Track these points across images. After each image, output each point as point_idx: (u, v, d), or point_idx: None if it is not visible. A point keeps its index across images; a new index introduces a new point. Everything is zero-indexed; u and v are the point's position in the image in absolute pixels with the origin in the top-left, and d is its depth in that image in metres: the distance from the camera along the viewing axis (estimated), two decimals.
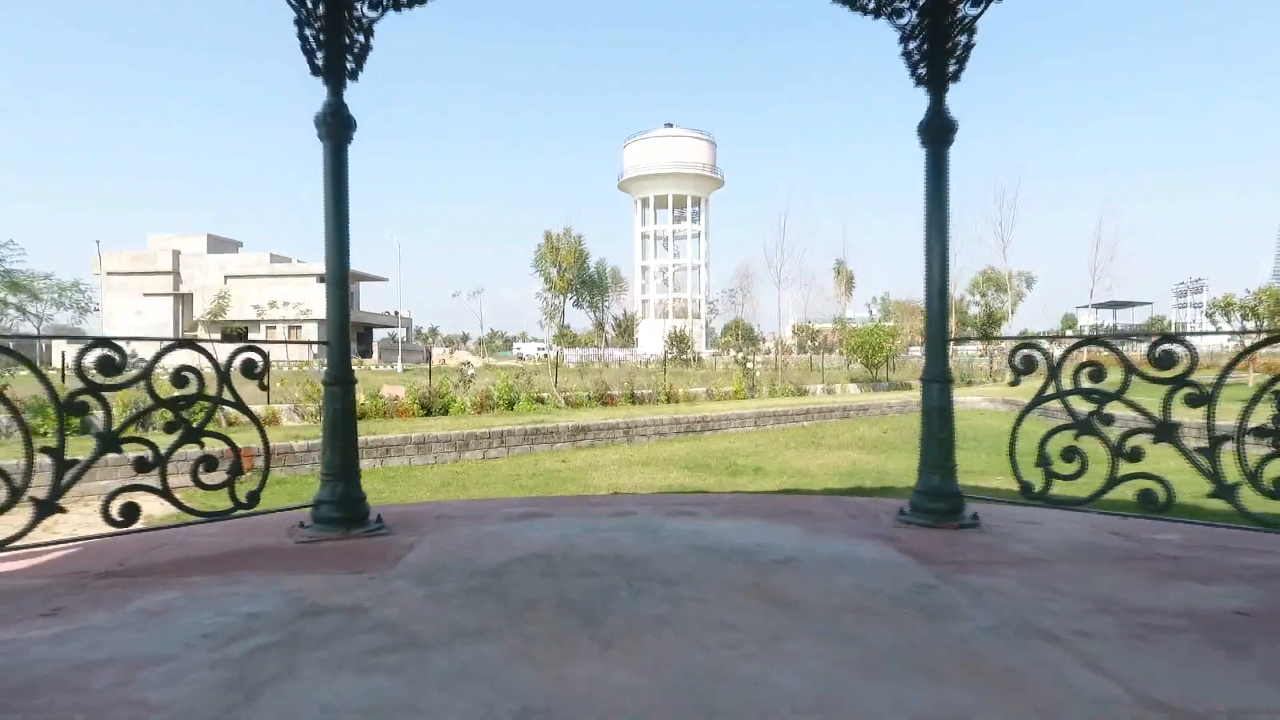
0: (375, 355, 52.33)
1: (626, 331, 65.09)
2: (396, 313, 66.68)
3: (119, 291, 52.22)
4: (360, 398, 11.25)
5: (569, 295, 58.03)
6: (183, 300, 54.99)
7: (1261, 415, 2.57)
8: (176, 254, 54.02)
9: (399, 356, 42.66)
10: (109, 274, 50.87)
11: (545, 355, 52.54)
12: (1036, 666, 1.63)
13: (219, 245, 56.17)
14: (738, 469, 9.00)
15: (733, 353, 35.06)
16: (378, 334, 64.33)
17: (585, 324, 67.08)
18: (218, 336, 50.45)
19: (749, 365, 17.96)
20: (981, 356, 30.57)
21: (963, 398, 17.46)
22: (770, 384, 16.66)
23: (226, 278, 54.03)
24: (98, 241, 48.45)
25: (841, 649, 1.73)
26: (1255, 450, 2.58)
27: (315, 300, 52.70)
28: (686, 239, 66.25)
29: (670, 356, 38.70)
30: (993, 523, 2.99)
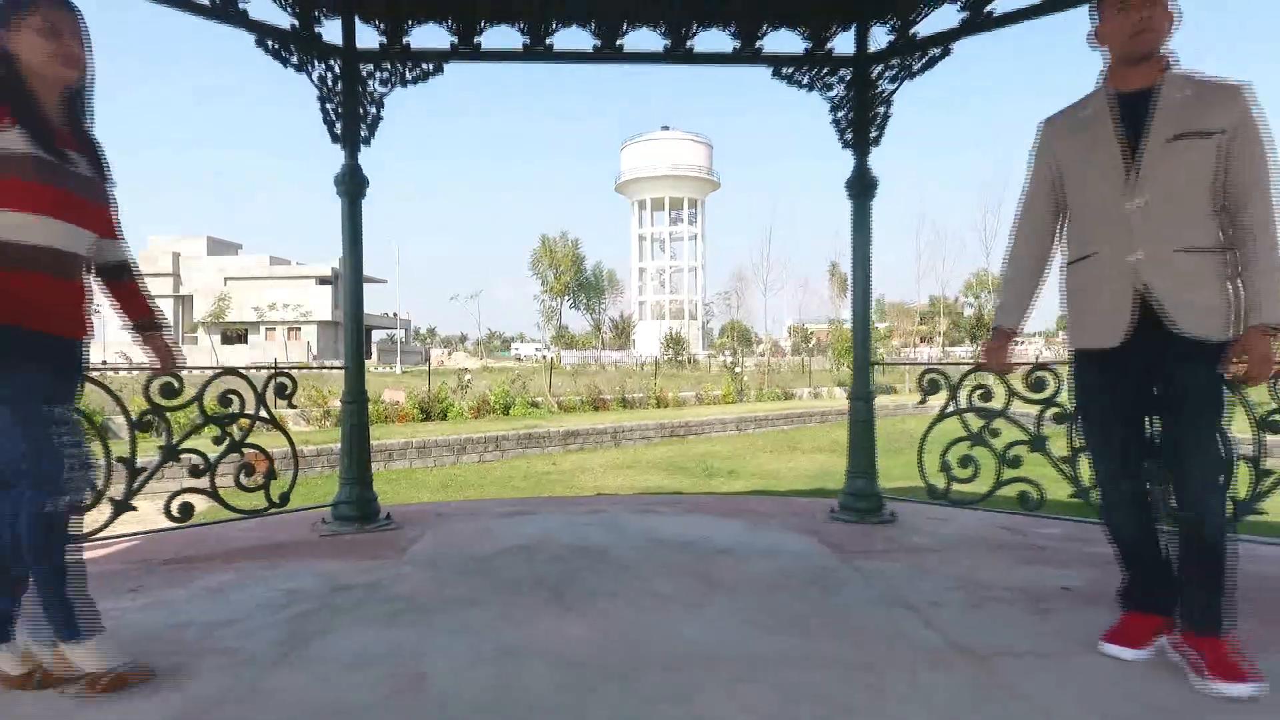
0: (374, 356, 52.83)
1: (623, 333, 65.67)
2: (395, 314, 67.11)
3: None
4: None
5: (565, 298, 58.60)
6: (183, 301, 55.38)
7: None
8: (176, 256, 54.41)
9: (398, 358, 43.24)
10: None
11: (543, 357, 53.17)
12: (886, 625, 2.18)
13: (218, 247, 56.58)
14: (714, 471, 9.57)
15: (726, 355, 35.73)
16: (376, 334, 64.75)
17: (583, 325, 67.68)
18: (218, 337, 51.04)
19: (737, 370, 18.50)
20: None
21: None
22: (758, 388, 17.22)
23: (226, 279, 54.40)
24: None
25: (746, 614, 2.28)
26: None
27: (314, 302, 53.21)
28: (683, 240, 66.88)
29: (665, 358, 39.33)
30: (907, 519, 3.55)
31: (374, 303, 67.94)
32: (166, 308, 53.46)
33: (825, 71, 3.60)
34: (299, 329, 54.46)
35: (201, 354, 46.69)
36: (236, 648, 2.00)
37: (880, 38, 3.54)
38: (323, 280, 54.98)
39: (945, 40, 3.32)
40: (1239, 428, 2.74)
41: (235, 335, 53.60)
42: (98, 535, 2.92)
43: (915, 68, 3.42)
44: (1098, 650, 1.93)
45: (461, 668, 1.86)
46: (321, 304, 53.85)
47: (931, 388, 3.58)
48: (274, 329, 54.76)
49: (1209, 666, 1.66)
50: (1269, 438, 2.81)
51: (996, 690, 1.77)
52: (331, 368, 4.11)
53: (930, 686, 1.76)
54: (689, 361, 38.04)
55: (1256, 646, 1.79)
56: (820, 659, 1.94)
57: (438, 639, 2.04)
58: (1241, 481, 2.82)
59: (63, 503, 1.66)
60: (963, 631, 2.12)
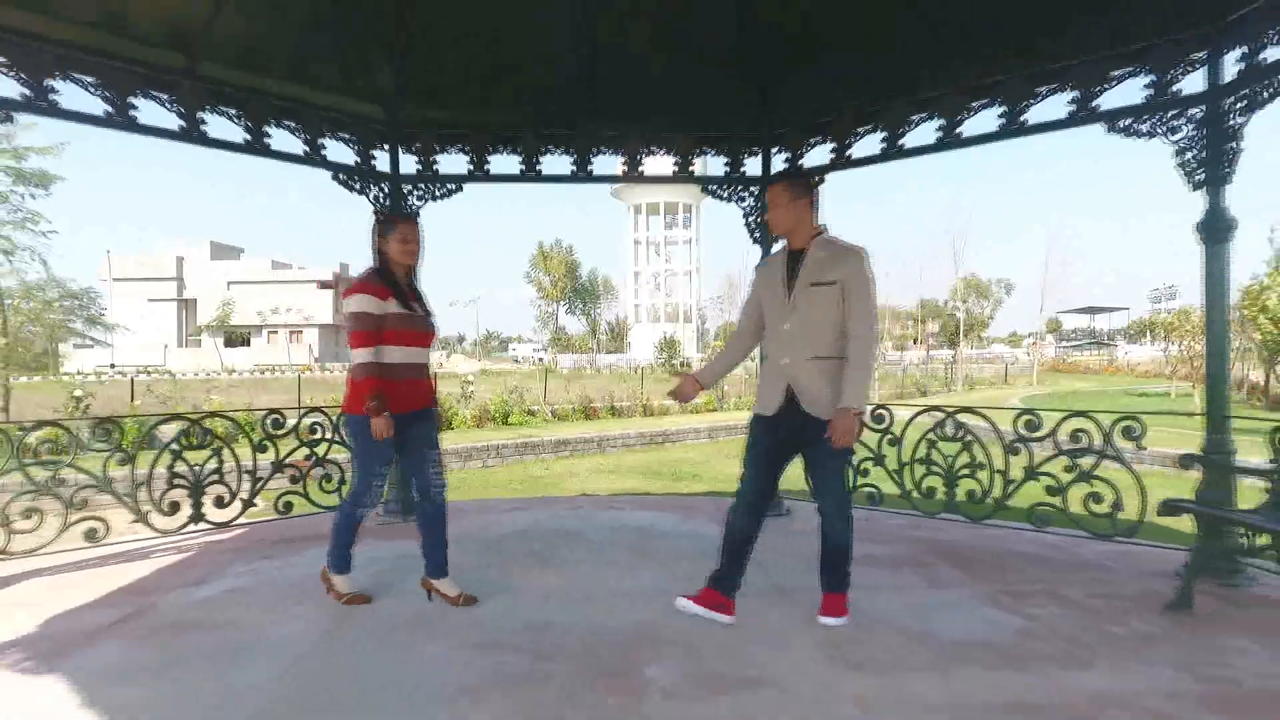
0: None
1: (619, 336, 66.98)
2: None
3: (125, 297, 53.60)
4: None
5: (561, 302, 59.85)
6: (186, 305, 56.31)
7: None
8: (180, 260, 55.26)
9: None
10: (115, 280, 52.27)
11: (540, 359, 54.48)
12: (747, 581, 3.53)
13: (221, 252, 57.46)
14: (681, 475, 10.97)
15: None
16: None
17: (580, 327, 68.99)
18: (221, 340, 52.13)
19: None
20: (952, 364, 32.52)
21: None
22: (738, 395, 18.58)
23: (229, 284, 55.18)
24: (108, 251, 49.95)
25: (664, 573, 3.62)
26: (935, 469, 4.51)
27: (315, 306, 54.32)
28: (678, 245, 68.14)
29: (660, 361, 40.60)
30: (797, 513, 4.90)
31: None
32: (170, 312, 54.62)
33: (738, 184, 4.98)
34: (301, 332, 55.43)
35: (205, 356, 47.89)
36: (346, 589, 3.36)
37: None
38: (324, 284, 56.03)
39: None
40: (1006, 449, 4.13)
41: (238, 339, 54.64)
42: (234, 522, 4.29)
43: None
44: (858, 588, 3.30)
45: (484, 598, 3.21)
46: (323, 307, 54.96)
47: None
48: (276, 332, 55.83)
49: (827, 610, 2.86)
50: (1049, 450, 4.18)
51: (786, 602, 3.13)
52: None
53: (746, 605, 3.12)
54: (683, 365, 39.36)
55: (960, 584, 3.17)
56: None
57: (468, 585, 3.40)
58: (996, 486, 4.21)
59: (361, 512, 3.05)
60: (785, 579, 3.49)
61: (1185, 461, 3.38)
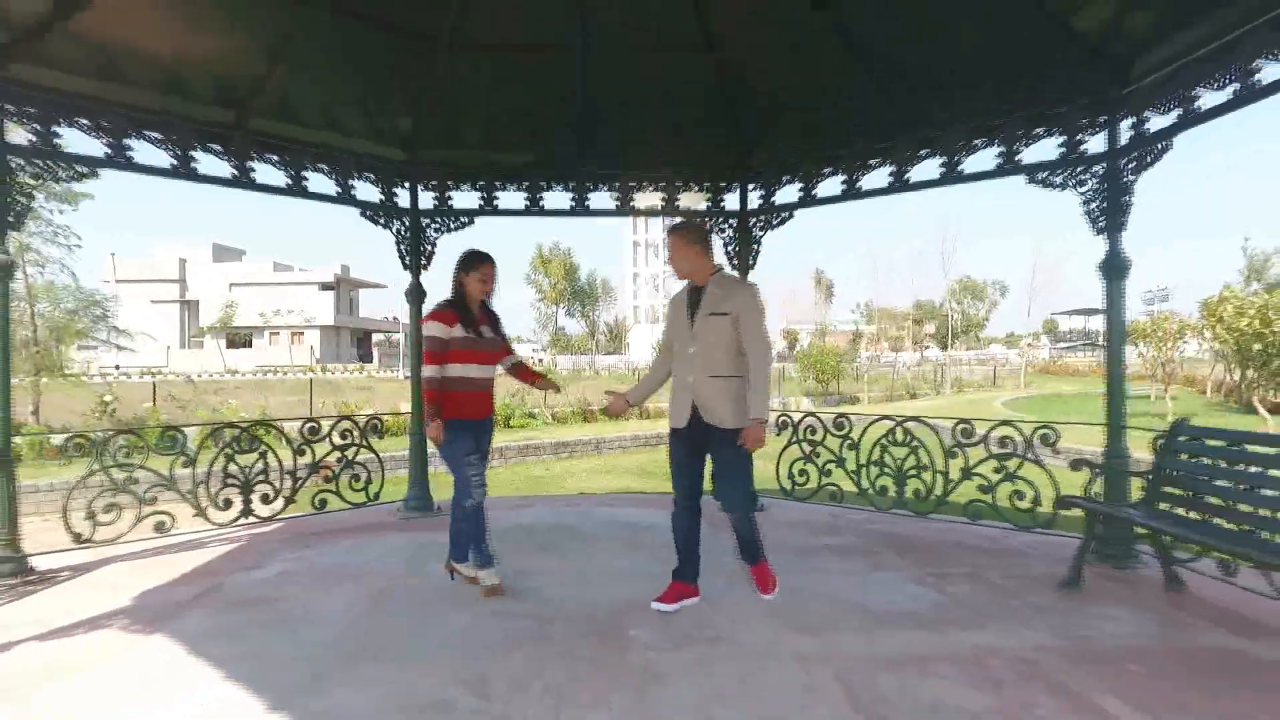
0: (375, 360, 54.52)
1: (618, 337, 67.59)
2: (395, 318, 68.56)
3: (129, 299, 54.02)
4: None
5: (560, 305, 60.46)
6: (188, 307, 56.77)
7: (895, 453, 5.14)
8: (183, 262, 55.72)
9: (401, 363, 44.94)
10: (118, 282, 52.75)
11: (539, 360, 54.98)
12: (716, 560, 4.16)
13: (223, 254, 57.92)
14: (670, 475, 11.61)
15: None
16: (375, 337, 66.25)
17: (579, 329, 69.59)
18: (223, 341, 52.68)
19: None
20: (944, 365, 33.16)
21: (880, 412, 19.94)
22: None
23: (231, 285, 55.64)
24: (112, 254, 50.43)
25: (651, 559, 4.24)
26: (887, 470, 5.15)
27: (317, 307, 54.85)
28: None
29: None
30: (771, 509, 5.53)
31: (375, 307, 69.52)
32: (173, 313, 55.14)
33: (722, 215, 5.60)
34: (302, 333, 55.96)
35: (207, 357, 48.44)
36: (379, 573, 3.99)
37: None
38: (325, 286, 56.55)
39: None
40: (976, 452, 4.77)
41: (240, 340, 55.17)
42: (277, 517, 4.92)
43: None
44: (814, 569, 3.93)
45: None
46: (324, 309, 55.48)
47: (782, 427, 5.58)
48: (278, 333, 56.36)
49: (756, 578, 3.53)
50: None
51: (748, 581, 3.76)
52: (397, 414, 6.04)
53: (715, 585, 3.75)
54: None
55: (897, 568, 3.80)
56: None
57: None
58: (938, 485, 4.84)
59: (469, 503, 3.57)
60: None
61: (1075, 465, 4.01)
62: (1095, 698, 2.48)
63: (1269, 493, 3.12)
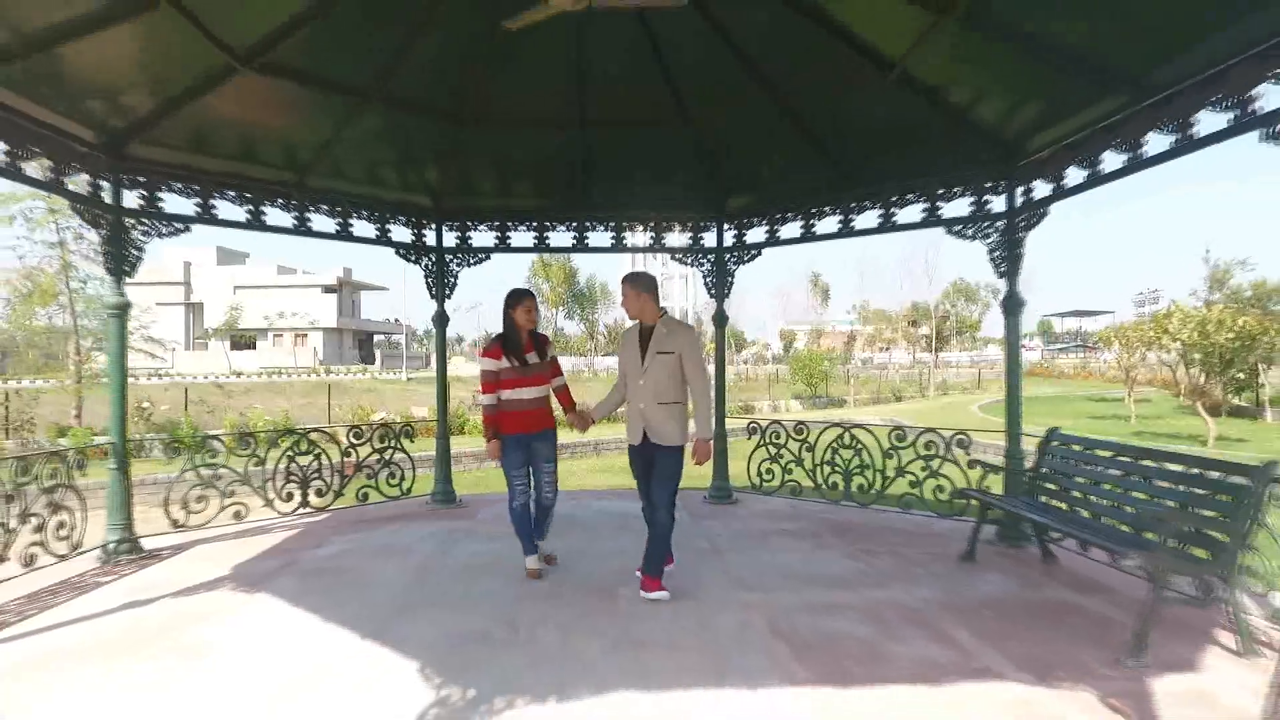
0: (378, 362, 55.43)
1: (617, 339, 68.42)
2: (397, 320, 69.32)
3: (136, 302, 54.61)
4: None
5: (560, 308, 61.41)
6: (193, 309, 57.53)
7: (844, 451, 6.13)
8: (188, 265, 56.52)
9: (404, 365, 45.81)
10: (126, 285, 53.25)
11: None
12: (692, 545, 5.14)
13: (227, 257, 58.71)
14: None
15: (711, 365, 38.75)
16: (376, 338, 67.06)
17: (578, 330, 70.53)
18: (227, 343, 53.56)
19: None
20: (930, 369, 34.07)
21: (860, 415, 20.93)
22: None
23: (235, 288, 56.41)
24: None
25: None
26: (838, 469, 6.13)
27: (320, 309, 55.75)
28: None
29: None
30: (743, 501, 6.51)
31: (377, 309, 70.25)
32: (178, 315, 56.02)
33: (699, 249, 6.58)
34: (305, 335, 56.80)
35: (212, 359, 49.30)
36: (420, 551, 4.96)
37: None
38: (328, 289, 57.41)
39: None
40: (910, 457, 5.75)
41: (245, 342, 56.00)
42: (328, 508, 5.90)
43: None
44: (766, 548, 4.91)
45: (513, 556, 4.81)
46: (327, 311, 56.33)
47: (751, 432, 6.56)
48: (281, 335, 57.19)
49: (644, 584, 3.99)
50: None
51: (715, 557, 4.73)
52: (428, 421, 7.01)
53: (690, 560, 4.72)
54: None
55: (836, 547, 4.79)
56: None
57: (499, 547, 5.00)
58: (877, 481, 5.82)
59: (515, 505, 4.37)
60: (720, 545, 5.09)
61: (971, 464, 4.98)
62: (951, 631, 3.47)
63: (1106, 487, 4.11)
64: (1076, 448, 4.44)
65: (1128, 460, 4.02)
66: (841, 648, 3.28)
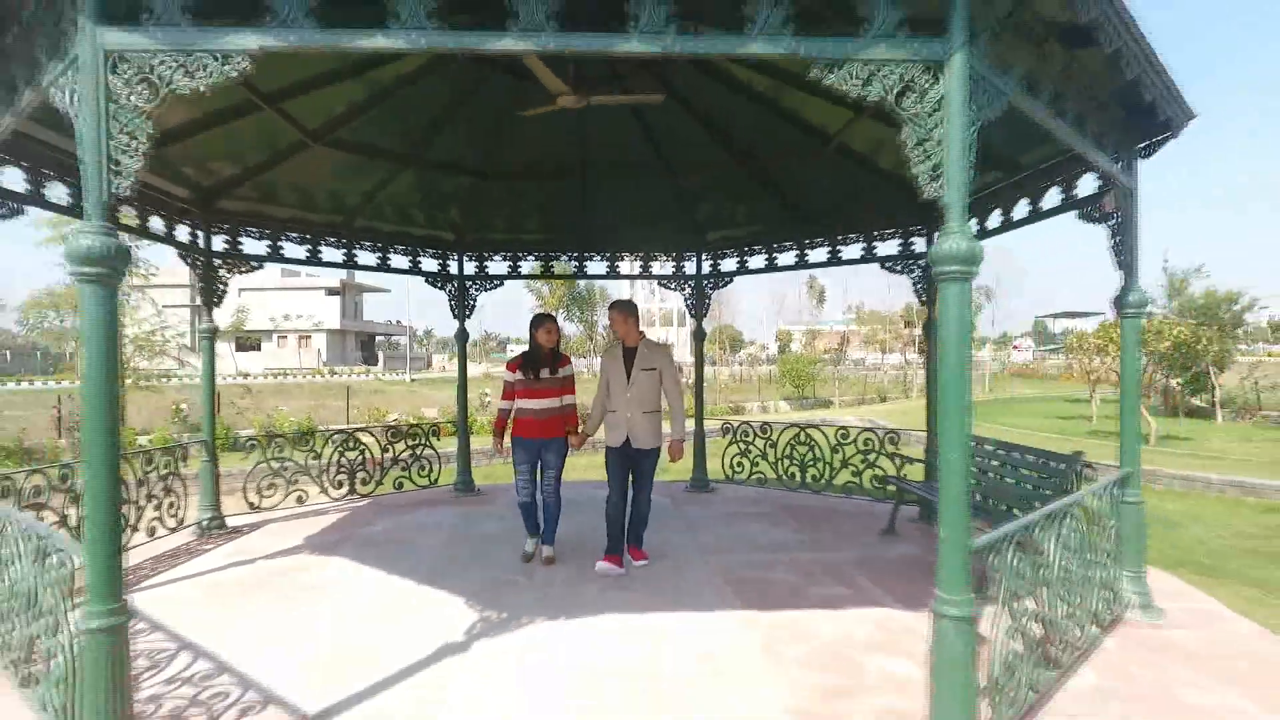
0: (380, 363, 56.47)
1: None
2: (399, 321, 70.32)
3: (145, 304, 55.38)
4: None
5: (560, 311, 62.52)
6: (198, 311, 58.13)
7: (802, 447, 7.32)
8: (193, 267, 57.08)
9: (408, 365, 46.91)
10: (132, 288, 54.31)
11: None
12: (671, 525, 6.32)
13: None
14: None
15: (709, 366, 39.95)
16: (377, 339, 68.01)
17: (577, 331, 71.61)
18: (233, 345, 54.63)
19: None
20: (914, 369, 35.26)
21: (842, 415, 22.09)
22: (713, 403, 21.35)
23: (240, 290, 57.30)
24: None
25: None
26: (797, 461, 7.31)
27: (324, 312, 56.80)
28: None
29: None
30: (718, 490, 7.68)
31: (379, 311, 71.19)
32: (184, 317, 57.08)
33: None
34: (309, 337, 57.81)
35: (219, 360, 50.41)
36: (449, 526, 6.14)
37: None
38: (331, 291, 58.41)
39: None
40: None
41: (249, 343, 57.02)
42: (371, 495, 7.09)
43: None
44: (731, 527, 6.10)
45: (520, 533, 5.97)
46: (330, 313, 57.33)
47: (725, 432, 7.75)
48: (286, 337, 58.21)
49: (633, 555, 5.35)
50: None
51: (689, 532, 5.91)
52: (450, 421, 8.19)
53: (668, 537, 5.90)
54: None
55: (786, 524, 5.98)
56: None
57: (512, 525, 6.15)
58: (825, 472, 7.01)
59: (520, 499, 5.43)
60: (694, 523, 6.27)
61: (891, 457, 6.16)
62: (856, 579, 4.65)
63: (989, 475, 5.29)
64: (970, 443, 5.62)
65: (1003, 453, 5.20)
66: (772, 588, 4.47)
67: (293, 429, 9.63)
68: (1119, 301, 4.09)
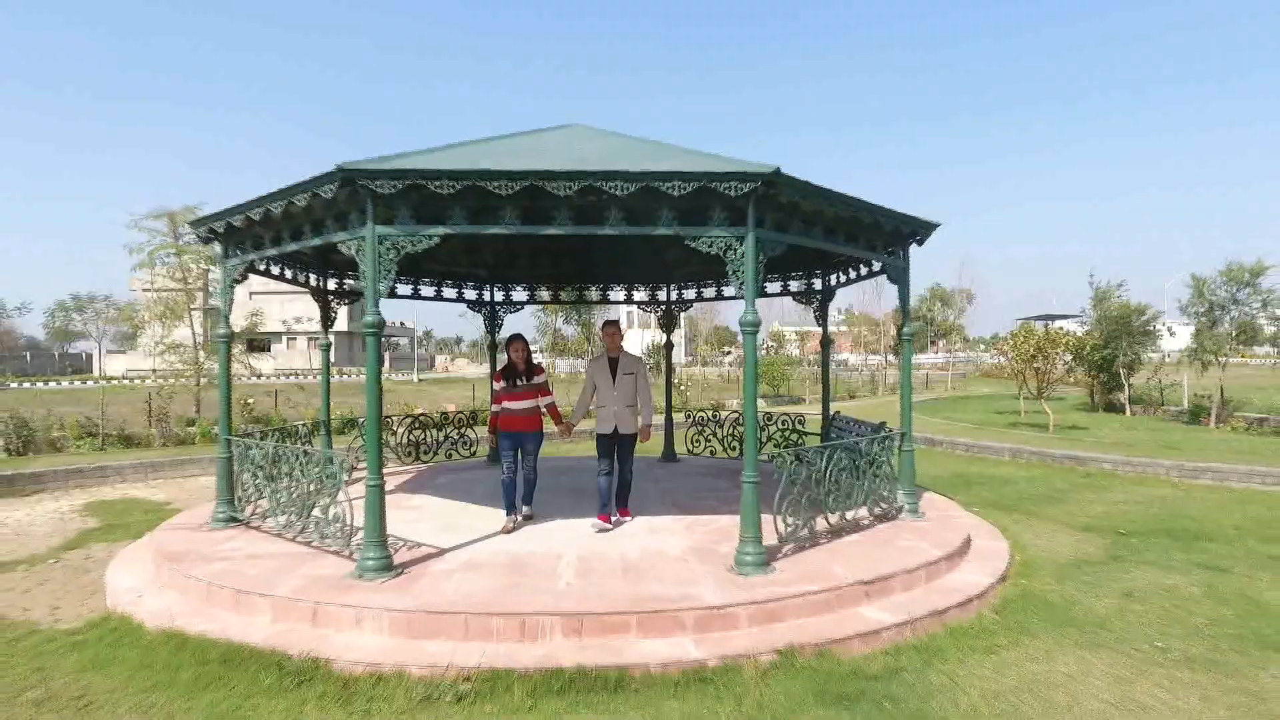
0: (386, 364, 58.77)
1: None
2: (402, 323, 72.83)
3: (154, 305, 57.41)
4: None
5: (559, 313, 64.99)
6: (209, 314, 60.38)
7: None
8: (205, 272, 59.24)
9: (415, 366, 49.43)
10: (143, 291, 56.41)
11: (539, 362, 58.94)
12: (647, 482, 9.03)
13: None
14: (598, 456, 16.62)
15: (700, 366, 42.72)
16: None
17: (575, 332, 74.11)
18: (242, 347, 56.86)
19: (682, 386, 25.24)
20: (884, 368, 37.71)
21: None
22: (697, 401, 24.03)
23: (251, 294, 59.58)
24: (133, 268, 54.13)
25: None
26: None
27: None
28: None
29: (650, 366, 45.70)
30: (683, 461, 10.38)
31: (384, 313, 73.17)
32: (195, 320, 59.36)
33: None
34: (317, 338, 59.93)
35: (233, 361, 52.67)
36: (488, 479, 8.84)
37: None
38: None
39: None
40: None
41: (260, 346, 59.26)
42: (429, 463, 9.83)
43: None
44: (694, 490, 8.83)
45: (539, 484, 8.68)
46: (339, 316, 59.65)
47: (689, 419, 10.50)
48: (295, 339, 60.61)
49: (620, 513, 8.03)
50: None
51: (655, 484, 8.63)
52: (485, 409, 10.92)
53: (647, 502, 8.61)
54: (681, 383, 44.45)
55: (728, 480, 8.75)
56: None
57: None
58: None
59: (504, 478, 8.09)
60: (659, 479, 9.00)
61: (790, 434, 8.91)
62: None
63: (831, 435, 8.04)
64: (840, 422, 8.38)
65: (854, 425, 7.95)
66: (698, 505, 7.23)
67: (312, 421, 12.21)
68: (899, 331, 6.86)
